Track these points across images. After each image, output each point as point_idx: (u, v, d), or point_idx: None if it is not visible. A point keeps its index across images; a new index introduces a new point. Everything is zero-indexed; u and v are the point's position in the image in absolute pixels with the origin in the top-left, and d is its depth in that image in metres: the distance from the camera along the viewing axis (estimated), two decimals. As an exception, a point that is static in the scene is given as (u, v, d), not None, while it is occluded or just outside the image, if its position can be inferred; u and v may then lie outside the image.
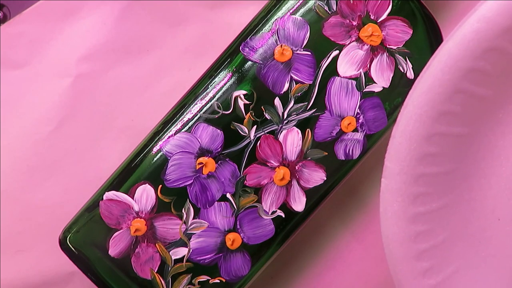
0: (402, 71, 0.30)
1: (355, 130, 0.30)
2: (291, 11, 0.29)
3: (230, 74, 0.29)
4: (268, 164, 0.29)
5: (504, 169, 0.27)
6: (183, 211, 0.29)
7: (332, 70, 0.29)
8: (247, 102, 0.29)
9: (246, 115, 0.29)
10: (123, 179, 0.29)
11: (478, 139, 0.26)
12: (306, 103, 0.29)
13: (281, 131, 0.29)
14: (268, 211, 0.30)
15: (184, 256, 0.29)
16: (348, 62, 0.29)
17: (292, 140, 0.30)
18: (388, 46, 0.30)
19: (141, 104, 0.34)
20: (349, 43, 0.29)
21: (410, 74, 0.30)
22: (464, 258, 0.27)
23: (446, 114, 0.25)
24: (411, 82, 0.30)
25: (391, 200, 0.25)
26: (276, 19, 0.29)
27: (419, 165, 0.25)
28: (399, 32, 0.30)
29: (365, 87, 0.30)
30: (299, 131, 0.29)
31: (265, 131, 0.29)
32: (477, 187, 0.27)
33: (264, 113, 0.29)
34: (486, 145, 0.27)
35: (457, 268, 0.26)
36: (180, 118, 0.30)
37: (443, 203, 0.26)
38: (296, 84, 0.29)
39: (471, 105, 0.25)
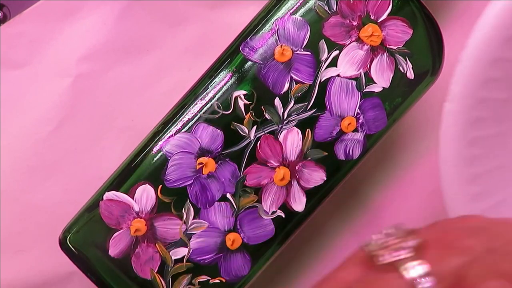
0: (402, 71, 0.30)
1: (355, 130, 0.30)
2: (291, 11, 0.29)
3: (230, 74, 0.29)
4: (268, 164, 0.29)
5: None
6: (183, 211, 0.29)
7: (332, 70, 0.29)
8: (247, 102, 0.29)
9: (246, 115, 0.29)
10: (123, 179, 0.29)
11: None
12: (306, 103, 0.29)
13: (281, 131, 0.29)
14: (268, 211, 0.30)
15: (184, 256, 0.29)
16: (348, 62, 0.29)
17: (292, 140, 0.29)
18: (388, 46, 0.30)
19: (141, 104, 0.34)
20: (349, 43, 0.29)
21: (410, 74, 0.30)
22: None
23: None
24: (411, 82, 0.30)
25: (452, 123, 0.26)
26: (276, 19, 0.29)
27: (482, 89, 0.25)
28: (399, 32, 0.29)
29: (365, 87, 0.30)
30: (299, 131, 0.29)
31: (265, 131, 0.29)
32: None
33: (264, 113, 0.29)
34: None
35: (507, 196, 0.27)
36: (180, 118, 0.29)
37: (499, 130, 0.27)
38: (296, 84, 0.29)
39: None
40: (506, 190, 0.27)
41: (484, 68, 0.25)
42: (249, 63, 0.29)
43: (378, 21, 0.29)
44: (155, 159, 0.29)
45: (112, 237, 0.29)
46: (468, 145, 0.26)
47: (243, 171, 0.29)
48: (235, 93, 0.29)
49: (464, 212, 0.26)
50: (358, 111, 0.30)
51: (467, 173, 0.26)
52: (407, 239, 0.16)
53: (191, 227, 0.29)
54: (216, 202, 0.29)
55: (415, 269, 0.15)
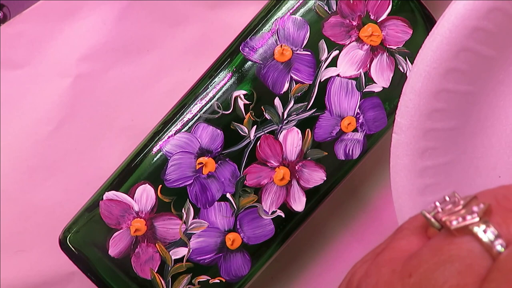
0: (402, 71, 0.30)
1: (355, 130, 0.30)
2: (291, 11, 0.29)
3: (230, 74, 0.29)
4: (268, 164, 0.29)
5: (505, 128, 0.28)
6: (183, 211, 0.29)
7: (332, 70, 0.29)
8: (247, 102, 0.29)
9: (246, 115, 0.29)
10: (123, 179, 0.29)
11: (481, 98, 0.28)
12: (306, 103, 0.29)
13: (281, 131, 0.29)
14: (268, 211, 0.30)
15: (184, 256, 0.29)
16: (348, 62, 0.29)
17: (292, 140, 0.29)
18: (388, 46, 0.30)
19: (141, 104, 0.34)
20: (349, 43, 0.29)
21: (410, 74, 0.30)
22: None
23: (453, 72, 0.26)
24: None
25: (401, 154, 0.26)
26: (276, 19, 0.29)
27: (427, 120, 0.26)
28: (399, 32, 0.29)
29: (365, 87, 0.30)
30: (299, 131, 0.29)
31: (265, 131, 0.29)
32: (480, 145, 0.28)
33: (264, 113, 0.29)
34: (489, 105, 0.28)
35: None
36: (180, 118, 0.30)
37: (448, 159, 0.27)
38: (296, 84, 0.29)
39: (476, 64, 0.26)
40: None
41: (428, 100, 0.26)
42: (249, 63, 0.29)
43: (378, 21, 0.29)
44: (155, 159, 0.29)
45: (112, 237, 0.29)
46: (419, 175, 0.27)
47: (243, 171, 0.29)
48: (235, 93, 0.29)
49: None
50: (358, 111, 0.30)
51: (420, 203, 0.27)
52: (471, 204, 0.15)
53: (191, 227, 0.29)
54: (216, 202, 0.29)
55: (486, 233, 0.15)
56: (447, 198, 0.17)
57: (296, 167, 0.30)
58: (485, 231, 0.15)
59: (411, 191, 0.27)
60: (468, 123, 0.28)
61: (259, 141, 0.29)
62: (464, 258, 0.15)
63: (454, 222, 0.15)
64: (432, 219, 0.16)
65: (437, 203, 0.16)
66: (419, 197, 0.27)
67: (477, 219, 0.15)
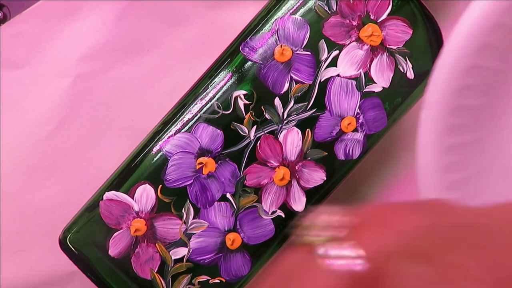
0: (402, 71, 0.30)
1: (355, 130, 0.30)
2: (291, 11, 0.29)
3: (230, 74, 0.29)
4: (268, 164, 0.29)
5: None
6: (183, 211, 0.29)
7: (332, 70, 0.29)
8: (247, 102, 0.29)
9: (246, 115, 0.29)
10: (123, 179, 0.29)
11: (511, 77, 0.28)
12: (306, 103, 0.29)
13: (281, 131, 0.29)
14: (268, 211, 0.30)
15: (184, 256, 0.29)
16: (348, 62, 0.29)
17: (292, 140, 0.29)
18: (388, 46, 0.30)
19: (141, 104, 0.34)
20: (349, 43, 0.29)
21: (410, 74, 0.30)
22: (490, 192, 0.28)
23: (487, 48, 0.26)
24: (411, 82, 0.30)
25: (429, 130, 0.26)
26: (276, 19, 0.29)
27: (457, 97, 0.26)
28: (399, 32, 0.29)
29: (365, 87, 0.30)
30: (299, 131, 0.29)
31: (265, 131, 0.29)
32: (505, 125, 0.28)
33: (264, 113, 0.29)
34: None
35: (484, 202, 0.28)
36: (180, 118, 0.30)
37: (475, 137, 0.27)
38: (296, 84, 0.29)
39: (509, 41, 0.26)
40: (482, 196, 0.28)
41: (459, 76, 0.26)
42: (249, 63, 0.29)
43: (378, 21, 0.29)
44: (155, 159, 0.29)
45: (112, 237, 0.29)
46: (445, 152, 0.27)
47: (243, 171, 0.29)
48: (235, 93, 0.29)
49: None
50: (358, 111, 0.30)
51: (444, 180, 0.27)
52: (337, 218, 0.15)
53: (191, 227, 0.29)
54: (216, 202, 0.29)
55: (343, 249, 0.14)
56: (322, 211, 0.16)
57: (296, 167, 0.30)
58: (342, 247, 0.14)
59: (436, 168, 0.27)
60: (497, 102, 0.28)
61: (259, 141, 0.29)
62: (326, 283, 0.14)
63: (313, 237, 0.15)
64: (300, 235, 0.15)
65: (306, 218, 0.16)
66: (444, 174, 0.27)
67: (338, 234, 0.14)
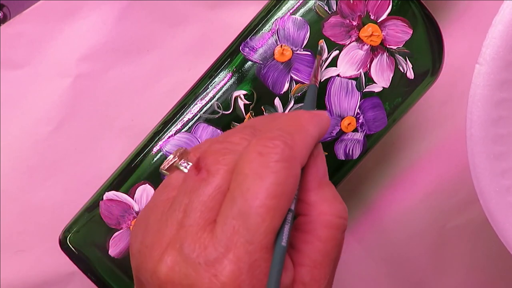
0: (402, 71, 0.30)
1: (355, 130, 0.30)
2: (291, 11, 0.29)
3: (230, 74, 0.29)
4: (268, 164, 0.29)
5: None
6: (183, 211, 0.29)
7: (332, 70, 0.29)
8: (247, 102, 0.29)
9: (246, 115, 0.29)
10: (123, 179, 0.29)
11: None
12: (306, 103, 0.29)
13: (281, 131, 0.29)
14: (268, 211, 0.29)
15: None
16: (348, 62, 0.29)
17: (292, 140, 0.29)
18: (388, 46, 0.30)
19: (141, 104, 0.35)
20: (349, 43, 0.29)
21: (410, 74, 0.30)
22: None
23: None
24: (411, 82, 0.30)
25: (482, 84, 0.27)
26: (276, 19, 0.29)
27: (510, 53, 0.27)
28: (399, 32, 0.30)
29: (365, 87, 0.30)
30: (299, 131, 0.29)
31: (265, 131, 0.29)
32: None
33: (264, 113, 0.29)
34: None
35: None
36: (180, 118, 0.30)
37: None
38: (296, 84, 0.29)
39: None
40: None
41: None
42: (249, 63, 0.29)
43: (378, 21, 0.29)
44: (155, 159, 0.29)
45: (112, 237, 0.29)
46: (495, 106, 0.27)
47: (243, 171, 0.29)
48: (235, 93, 0.29)
49: (488, 172, 0.27)
50: (358, 111, 0.30)
51: (492, 133, 0.27)
52: (177, 152, 0.23)
53: (191, 227, 0.29)
54: (216, 202, 0.29)
55: (179, 164, 0.23)
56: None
57: (296, 167, 0.30)
58: (181, 164, 0.23)
59: (485, 121, 0.27)
60: None
61: (259, 141, 0.29)
62: (172, 182, 0.23)
63: (164, 165, 0.23)
64: (164, 167, 0.24)
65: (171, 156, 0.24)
66: (492, 128, 0.27)
67: (176, 159, 0.23)
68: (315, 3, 0.29)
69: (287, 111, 0.29)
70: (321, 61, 0.29)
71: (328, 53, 0.29)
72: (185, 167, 0.23)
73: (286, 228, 0.21)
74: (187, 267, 0.20)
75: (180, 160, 0.23)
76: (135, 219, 0.29)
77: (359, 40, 0.29)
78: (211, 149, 0.22)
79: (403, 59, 0.30)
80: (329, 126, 0.24)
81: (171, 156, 0.23)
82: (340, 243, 0.23)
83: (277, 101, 0.29)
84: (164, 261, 0.20)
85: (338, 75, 0.29)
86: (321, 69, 0.29)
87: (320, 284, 0.22)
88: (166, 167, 0.23)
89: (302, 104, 0.29)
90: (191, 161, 0.23)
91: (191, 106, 0.30)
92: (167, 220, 0.21)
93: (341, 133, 0.30)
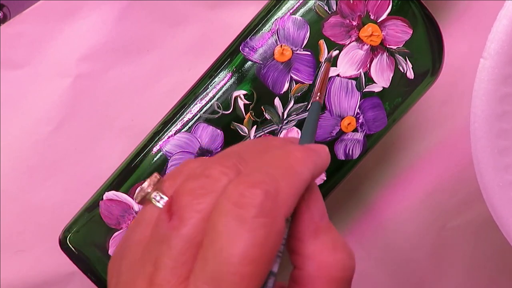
0: (402, 71, 0.30)
1: (355, 130, 0.30)
2: (291, 11, 0.29)
3: (230, 74, 0.29)
4: (268, 164, 0.29)
5: None
6: (183, 211, 0.29)
7: (332, 70, 0.29)
8: (247, 102, 0.29)
9: (246, 115, 0.29)
10: (123, 179, 0.29)
11: None
12: (306, 103, 0.29)
13: (281, 131, 0.29)
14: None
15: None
16: (348, 62, 0.29)
17: (292, 140, 0.29)
18: (388, 46, 0.30)
19: (141, 104, 0.35)
20: (349, 43, 0.29)
21: (410, 74, 0.30)
22: None
23: None
24: (411, 82, 0.30)
25: (486, 79, 0.27)
26: (276, 19, 0.29)
27: None
28: (399, 32, 0.29)
29: (365, 87, 0.30)
30: (299, 131, 0.29)
31: (265, 131, 0.29)
32: None
33: (264, 113, 0.29)
34: None
35: None
36: (180, 118, 0.30)
37: None
38: (296, 84, 0.29)
39: None
40: None
41: None
42: (249, 63, 0.29)
43: (378, 21, 0.29)
44: (155, 159, 0.29)
45: (112, 237, 0.29)
46: (499, 101, 0.27)
47: (243, 171, 0.29)
48: (235, 93, 0.29)
49: (491, 167, 0.27)
50: (358, 111, 0.30)
51: (496, 128, 0.27)
52: (151, 182, 0.21)
53: (191, 227, 0.29)
54: (216, 202, 0.29)
55: (152, 197, 0.21)
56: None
57: (296, 167, 0.30)
58: (155, 197, 0.21)
59: (489, 116, 0.27)
60: None
61: (259, 141, 0.29)
62: (146, 218, 0.21)
63: (137, 196, 0.21)
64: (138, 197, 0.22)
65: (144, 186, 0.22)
66: (496, 123, 0.27)
67: (149, 190, 0.21)
68: (315, 3, 0.29)
69: (287, 111, 0.29)
70: (329, 70, 0.28)
71: (328, 53, 0.29)
72: (159, 201, 0.21)
73: None
74: None
75: (153, 192, 0.21)
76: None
77: (359, 40, 0.29)
78: (186, 187, 0.20)
79: (403, 59, 0.30)
80: (328, 163, 0.22)
81: (145, 184, 0.21)
82: None
83: (277, 101, 0.29)
84: None
85: (338, 75, 0.29)
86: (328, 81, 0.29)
87: None
88: (139, 199, 0.21)
89: (302, 104, 0.29)
90: (166, 193, 0.21)
91: (191, 106, 0.30)
92: (139, 274, 0.19)
93: (341, 133, 0.30)
